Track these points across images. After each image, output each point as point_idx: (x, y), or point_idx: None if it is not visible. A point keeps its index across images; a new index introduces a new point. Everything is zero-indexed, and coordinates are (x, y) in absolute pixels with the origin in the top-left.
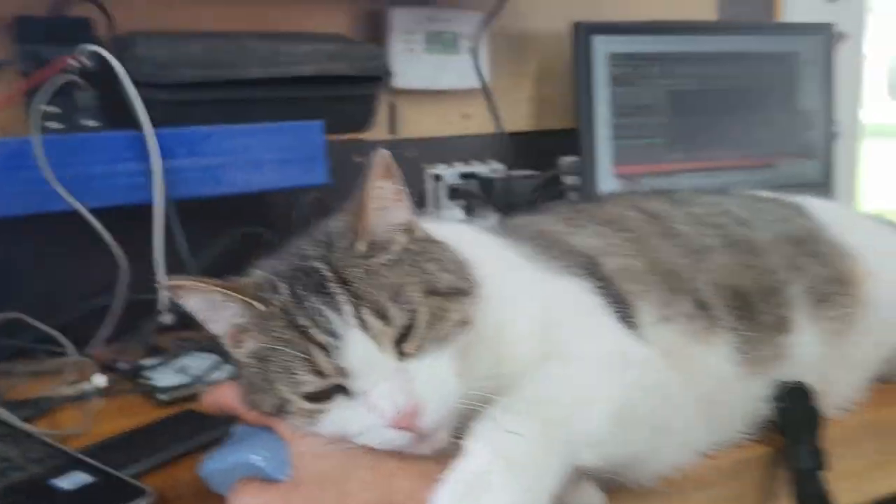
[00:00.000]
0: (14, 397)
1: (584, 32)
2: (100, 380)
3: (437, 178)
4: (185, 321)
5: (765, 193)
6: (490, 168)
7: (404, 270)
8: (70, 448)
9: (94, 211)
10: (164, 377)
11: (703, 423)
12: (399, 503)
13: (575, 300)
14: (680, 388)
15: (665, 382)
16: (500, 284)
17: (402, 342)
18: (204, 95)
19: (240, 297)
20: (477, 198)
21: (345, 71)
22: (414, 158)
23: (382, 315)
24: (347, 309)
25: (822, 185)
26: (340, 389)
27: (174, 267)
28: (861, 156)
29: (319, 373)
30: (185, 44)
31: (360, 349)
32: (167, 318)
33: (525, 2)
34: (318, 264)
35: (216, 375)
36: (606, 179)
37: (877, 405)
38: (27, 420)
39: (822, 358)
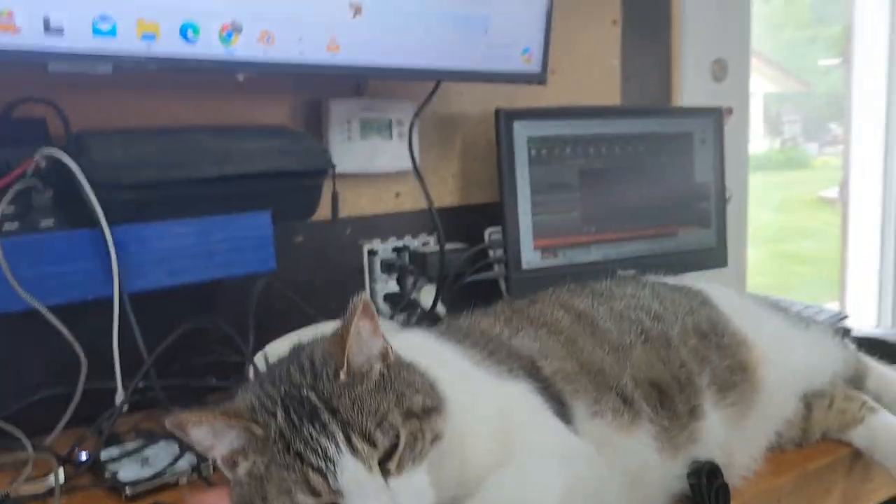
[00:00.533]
0: None
1: (505, 118)
2: (59, 475)
3: (372, 253)
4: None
5: (672, 282)
6: (421, 242)
7: (384, 396)
8: None
9: (53, 308)
10: (128, 470)
11: (631, 502)
12: None
13: (521, 403)
14: (612, 475)
15: (601, 473)
16: (461, 396)
17: (387, 461)
18: (159, 194)
19: (240, 422)
20: (410, 272)
21: (293, 167)
22: (350, 235)
23: (370, 440)
24: (340, 437)
25: (717, 250)
26: None
27: (130, 358)
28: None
29: (315, 493)
30: (140, 145)
31: (352, 472)
32: (124, 408)
33: (451, 90)
34: (308, 393)
35: (180, 466)
36: (528, 252)
37: (770, 475)
38: None
39: (727, 437)
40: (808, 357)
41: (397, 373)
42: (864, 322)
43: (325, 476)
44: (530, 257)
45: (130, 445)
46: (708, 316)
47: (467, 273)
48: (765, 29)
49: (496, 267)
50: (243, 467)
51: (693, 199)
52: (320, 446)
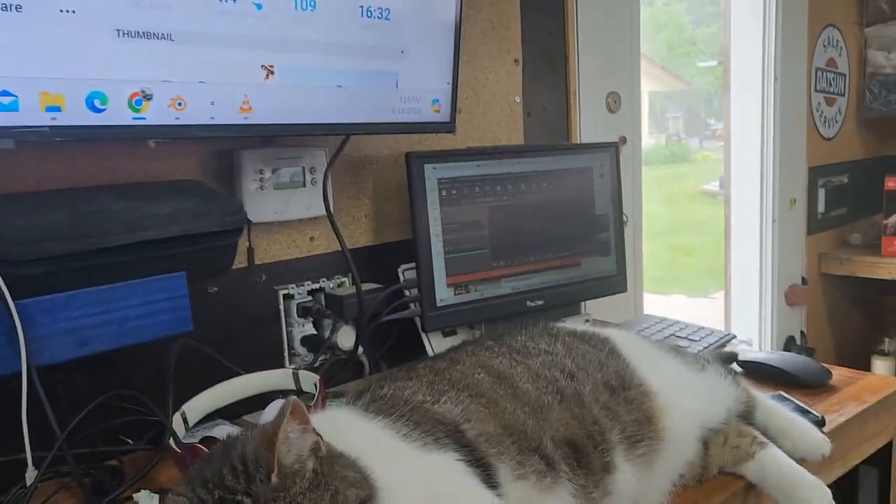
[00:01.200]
0: None
1: (415, 161)
2: None
3: (288, 297)
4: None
5: (581, 329)
6: (336, 283)
7: (319, 496)
8: None
9: None
10: None
11: None
12: None
13: (448, 475)
14: None
15: None
16: (390, 481)
17: None
18: (67, 265)
19: None
20: (327, 315)
21: (208, 228)
22: (265, 282)
23: None
24: None
25: (617, 277)
26: None
27: (41, 427)
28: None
29: None
30: (44, 213)
31: None
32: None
33: (361, 138)
34: (244, 499)
35: None
36: (441, 289)
37: None
38: None
39: (637, 487)
40: (705, 398)
41: (330, 467)
42: (747, 314)
43: None
44: (444, 294)
45: None
46: (616, 368)
47: (384, 313)
48: (649, 31)
49: (412, 305)
50: None
51: (594, 230)
52: None
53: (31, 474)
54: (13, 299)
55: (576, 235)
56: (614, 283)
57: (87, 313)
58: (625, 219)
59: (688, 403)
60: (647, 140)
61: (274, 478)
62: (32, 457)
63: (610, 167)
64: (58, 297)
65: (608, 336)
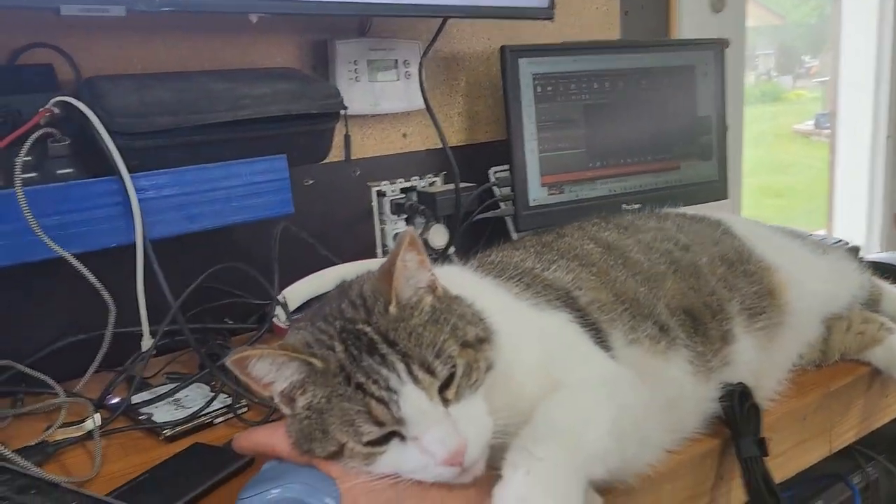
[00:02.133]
0: (6, 441)
1: (510, 55)
2: (96, 419)
3: (381, 194)
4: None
5: (691, 213)
6: (428, 182)
7: (439, 328)
8: (102, 495)
9: (76, 256)
10: (162, 412)
11: (669, 426)
12: None
13: (562, 332)
14: (652, 400)
15: (644, 399)
16: (506, 327)
17: (445, 390)
18: (175, 140)
19: (301, 356)
20: (420, 212)
21: (305, 110)
22: (359, 177)
23: (430, 370)
24: (401, 367)
25: (718, 183)
26: (395, 434)
27: (152, 305)
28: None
29: (379, 423)
30: (154, 91)
31: (414, 401)
32: (152, 352)
33: (454, 29)
34: (364, 328)
35: (215, 407)
36: (535, 189)
37: (795, 395)
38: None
39: (756, 361)
40: (829, 281)
41: (448, 306)
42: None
43: (387, 405)
44: (537, 194)
45: (161, 389)
46: (732, 245)
47: (476, 212)
48: None
49: (503, 205)
50: (302, 401)
51: (695, 133)
52: (381, 377)
53: (146, 343)
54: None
55: (676, 138)
56: (715, 189)
57: (196, 190)
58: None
59: (810, 282)
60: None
61: (392, 308)
62: (149, 327)
63: (714, 66)
64: (168, 172)
65: (721, 218)
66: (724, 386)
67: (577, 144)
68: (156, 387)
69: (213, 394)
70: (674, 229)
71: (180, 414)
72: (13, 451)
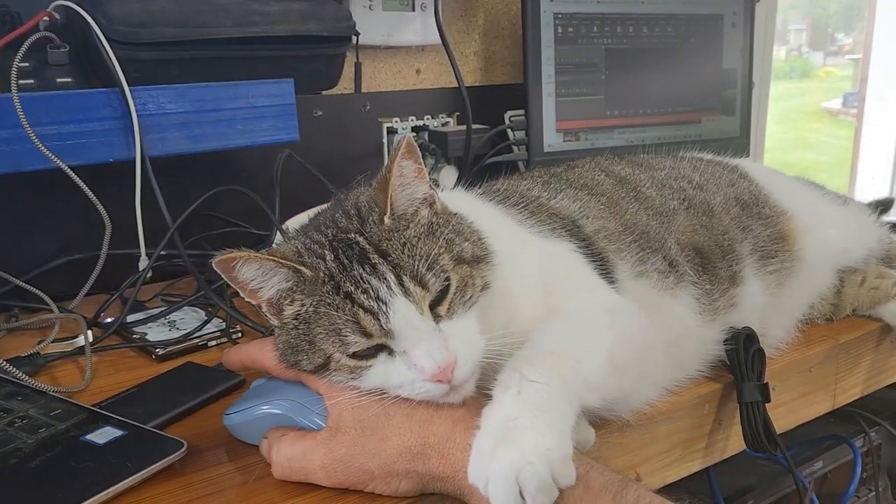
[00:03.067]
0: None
1: None
2: (88, 335)
3: (392, 131)
4: (163, 274)
5: (708, 157)
6: (440, 122)
7: (434, 242)
8: (86, 404)
9: (74, 169)
10: (156, 332)
11: (670, 363)
12: (433, 445)
13: (566, 260)
14: (655, 335)
15: (646, 332)
16: (506, 249)
17: (437, 305)
18: (179, 54)
19: (290, 263)
20: (431, 152)
21: (316, 31)
22: (370, 112)
23: (422, 283)
24: (391, 278)
25: (740, 139)
26: (383, 347)
27: (152, 226)
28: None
29: (366, 334)
30: (159, 1)
31: (404, 313)
32: (149, 274)
33: None
34: (357, 237)
35: (208, 329)
36: (550, 134)
37: (802, 346)
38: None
39: (765, 306)
40: (845, 232)
41: (445, 220)
42: None
43: (376, 316)
44: (552, 139)
45: (156, 311)
46: (748, 188)
47: (488, 155)
48: None
49: (516, 149)
50: (290, 310)
51: (719, 86)
52: (371, 287)
53: (143, 262)
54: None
55: (699, 89)
56: (736, 145)
57: (199, 109)
58: (752, 85)
59: (826, 231)
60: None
61: (387, 219)
62: (146, 248)
63: (743, 16)
64: (171, 88)
65: (739, 163)
66: (730, 329)
67: (596, 91)
68: (151, 309)
69: (207, 317)
70: (689, 169)
71: (174, 335)
72: (3, 360)
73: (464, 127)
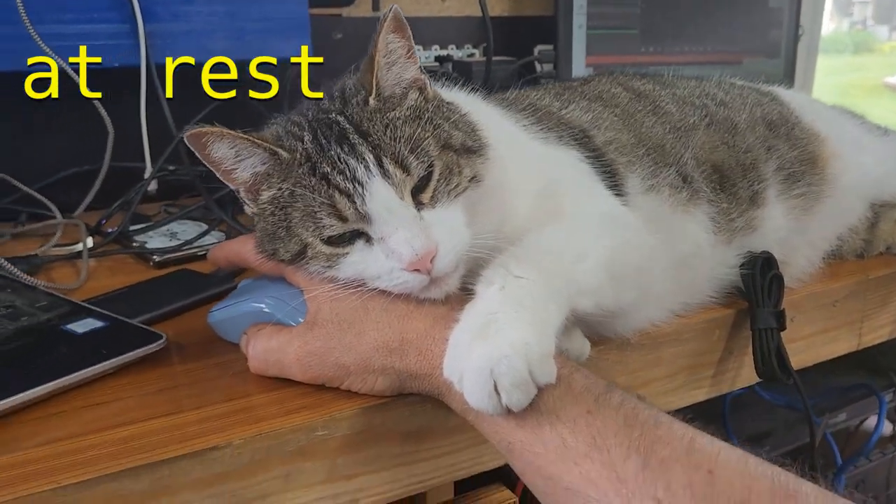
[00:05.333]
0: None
1: None
2: (89, 242)
3: None
4: (169, 192)
5: (741, 82)
6: (465, 52)
7: (420, 125)
8: (74, 298)
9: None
10: (155, 241)
11: (679, 284)
12: (412, 341)
13: (570, 167)
14: (661, 251)
15: (650, 245)
16: (504, 148)
17: (419, 193)
18: None
19: (265, 143)
20: (454, 81)
21: None
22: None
23: (403, 165)
24: (370, 158)
25: (783, 84)
26: (360, 234)
27: (158, 132)
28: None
29: (342, 218)
30: None
31: (382, 196)
32: (153, 186)
33: None
34: (337, 117)
35: (208, 240)
36: (579, 68)
37: (827, 278)
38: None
39: (788, 232)
40: (881, 162)
41: (436, 106)
42: None
43: (352, 198)
44: (581, 74)
45: (157, 222)
46: (778, 109)
47: (512, 86)
48: None
49: (543, 83)
50: (267, 195)
51: (764, 25)
52: (348, 168)
53: (148, 172)
54: None
55: (742, 28)
56: None
57: (209, 16)
58: (801, 30)
59: (861, 160)
60: (827, 25)
61: (372, 100)
62: (151, 159)
63: None
64: None
65: (772, 88)
66: (747, 254)
67: (631, 24)
68: (153, 220)
69: (207, 228)
70: (714, 88)
71: (173, 244)
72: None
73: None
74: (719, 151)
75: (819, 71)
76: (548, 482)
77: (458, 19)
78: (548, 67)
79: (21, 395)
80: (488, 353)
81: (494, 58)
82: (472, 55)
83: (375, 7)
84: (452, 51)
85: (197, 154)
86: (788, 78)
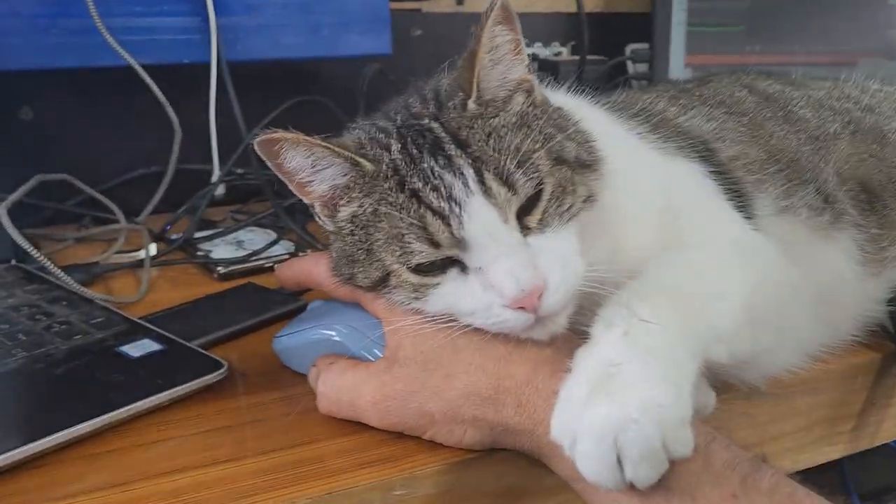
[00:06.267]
0: (63, 261)
1: None
2: (152, 249)
3: None
4: (237, 196)
5: (879, 85)
6: (552, 51)
7: (528, 135)
8: (131, 315)
9: (146, 69)
10: (221, 250)
11: (818, 323)
12: (510, 390)
13: (693, 184)
14: (801, 283)
15: (790, 278)
16: (619, 163)
17: (526, 215)
18: None
19: (346, 153)
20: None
21: None
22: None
23: (508, 182)
24: (469, 173)
25: None
26: (454, 263)
27: (227, 133)
28: None
29: (434, 243)
30: None
31: (483, 219)
32: (220, 189)
33: None
34: (431, 123)
35: (276, 251)
36: (677, 68)
37: None
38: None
39: None
40: None
41: (544, 111)
42: None
43: (447, 220)
44: (679, 75)
45: (224, 229)
46: None
47: (602, 88)
48: None
49: (636, 84)
50: (346, 211)
51: (882, 23)
52: (444, 184)
53: (216, 176)
54: None
55: (858, 26)
56: None
57: (283, 11)
58: None
59: None
60: None
61: (471, 103)
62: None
63: None
64: None
65: None
66: None
67: (736, 20)
68: (220, 226)
69: (276, 238)
70: (856, 90)
71: (239, 254)
72: (57, 266)
73: (577, 57)
74: (867, 165)
75: None
76: None
77: (547, 16)
78: (641, 68)
79: (67, 430)
80: (611, 415)
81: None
82: (558, 53)
83: (459, 1)
84: (539, 48)
85: (268, 163)
86: None
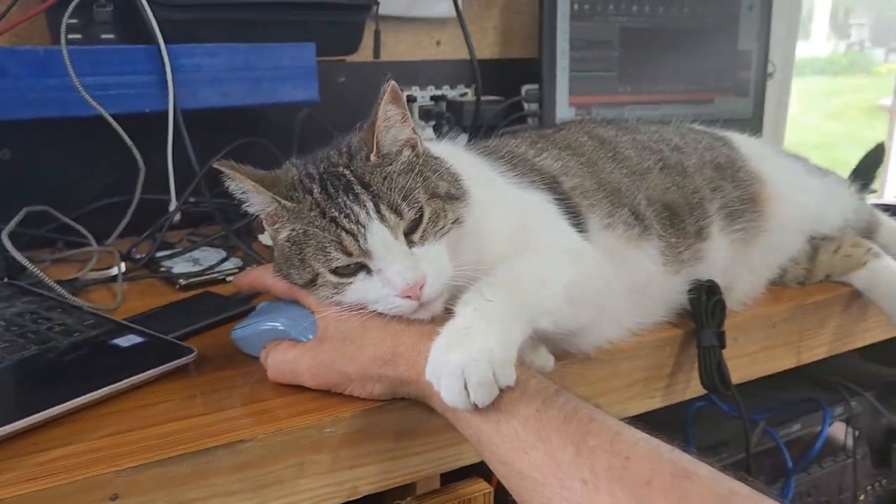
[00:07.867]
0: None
1: None
2: (121, 266)
3: (411, 99)
4: (192, 221)
5: (699, 127)
6: (458, 92)
7: (411, 178)
8: (116, 317)
9: (114, 117)
10: (180, 266)
11: (634, 307)
12: (402, 353)
13: (539, 208)
14: (617, 279)
15: (606, 274)
16: (482, 194)
17: (411, 233)
18: (212, 15)
19: (268, 193)
20: (447, 119)
21: None
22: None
23: (397, 211)
24: (370, 205)
25: (752, 122)
26: (362, 267)
27: (182, 169)
28: (790, 93)
29: (347, 252)
30: None
31: (380, 236)
32: (177, 216)
33: None
34: (344, 170)
35: (227, 266)
36: (563, 108)
37: (768, 303)
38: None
39: (730, 262)
40: (820, 201)
41: (425, 161)
42: None
43: (355, 237)
44: (564, 113)
45: (181, 249)
46: (727, 154)
47: (500, 125)
48: None
49: (529, 121)
50: (283, 233)
51: (733, 67)
52: (353, 213)
53: (173, 206)
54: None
55: (713, 69)
56: (748, 127)
57: (228, 67)
58: (771, 69)
59: (800, 199)
60: (824, 45)
61: (373, 157)
62: (176, 193)
63: (760, 1)
64: (204, 47)
65: (728, 134)
66: (694, 281)
67: (610, 66)
68: (178, 247)
69: (227, 255)
70: (671, 133)
71: (196, 269)
72: (46, 277)
73: (480, 98)
74: (669, 192)
75: (815, 92)
76: (505, 468)
77: (452, 62)
78: (534, 106)
79: (87, 395)
80: (460, 358)
81: (484, 97)
82: (464, 94)
83: (376, 55)
84: (447, 91)
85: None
86: (757, 115)
